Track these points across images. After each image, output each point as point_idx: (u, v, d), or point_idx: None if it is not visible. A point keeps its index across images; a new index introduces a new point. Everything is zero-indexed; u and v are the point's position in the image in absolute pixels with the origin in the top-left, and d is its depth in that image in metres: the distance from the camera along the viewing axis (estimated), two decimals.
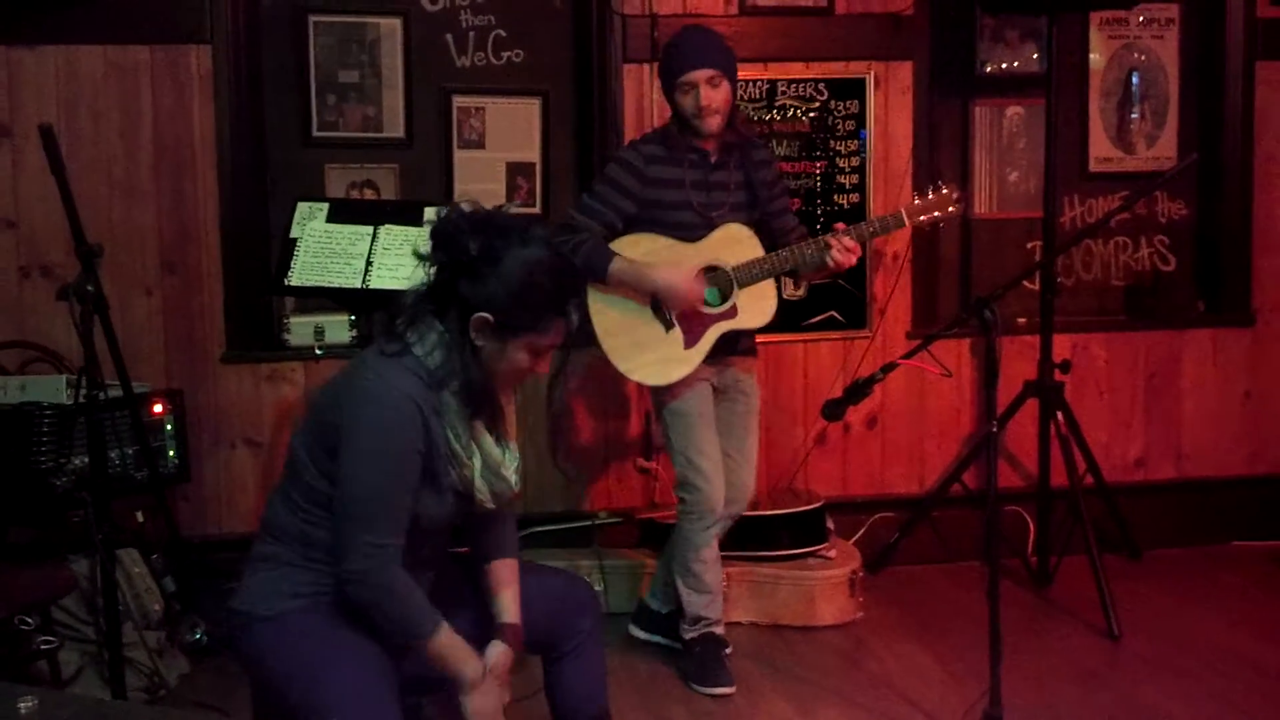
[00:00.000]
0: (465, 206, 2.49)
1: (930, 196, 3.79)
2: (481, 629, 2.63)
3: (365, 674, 2.37)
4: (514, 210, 2.54)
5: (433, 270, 2.46)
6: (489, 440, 2.53)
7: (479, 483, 2.51)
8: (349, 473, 2.37)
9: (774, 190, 3.93)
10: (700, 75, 3.69)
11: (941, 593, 4.73)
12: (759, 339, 4.08)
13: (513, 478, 2.58)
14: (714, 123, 3.73)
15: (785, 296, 4.82)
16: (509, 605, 2.64)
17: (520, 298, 2.39)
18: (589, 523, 4.71)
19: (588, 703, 2.77)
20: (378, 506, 2.37)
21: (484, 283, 2.39)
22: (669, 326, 3.79)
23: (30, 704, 1.95)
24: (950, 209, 3.80)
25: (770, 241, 3.86)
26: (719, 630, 3.98)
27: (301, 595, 2.46)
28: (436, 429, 2.43)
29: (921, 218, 3.79)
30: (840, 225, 3.75)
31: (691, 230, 3.79)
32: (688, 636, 3.97)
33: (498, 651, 2.57)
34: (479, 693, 2.48)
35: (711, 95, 3.69)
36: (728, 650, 3.98)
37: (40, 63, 4.41)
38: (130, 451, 3.95)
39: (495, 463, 2.53)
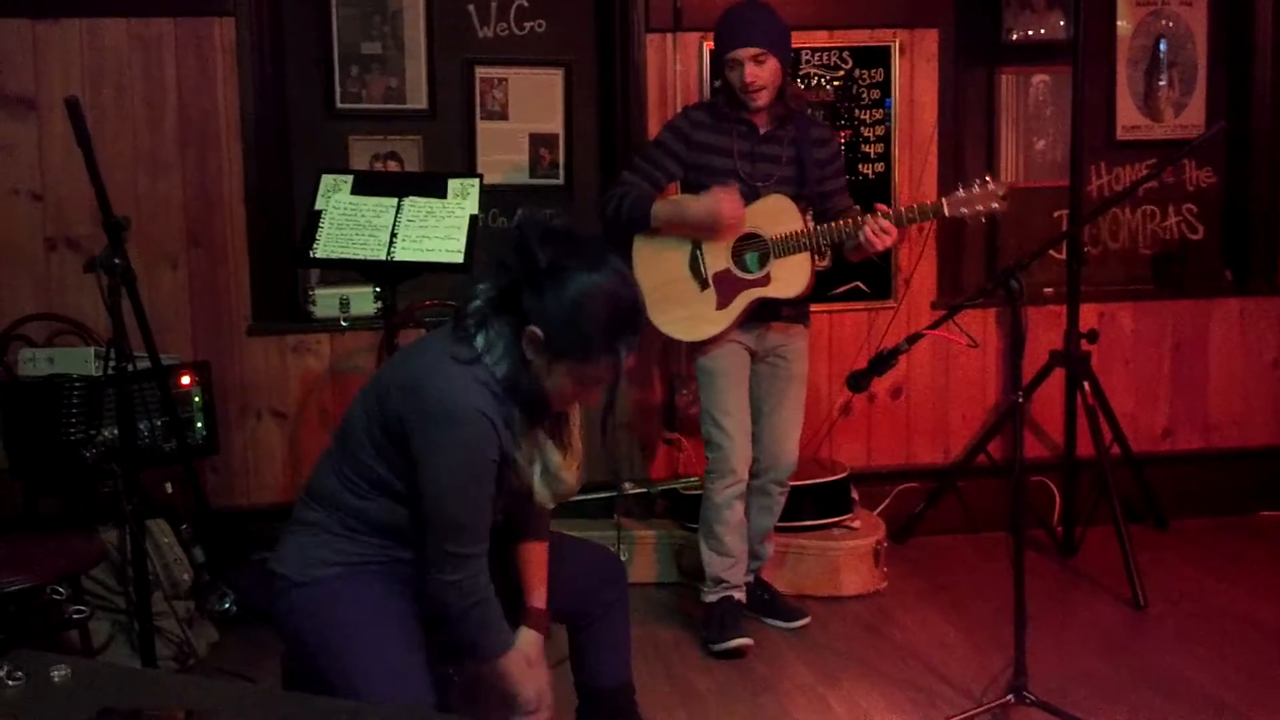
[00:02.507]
0: (549, 220, 2.47)
1: (975, 190, 3.72)
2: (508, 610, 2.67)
3: (397, 644, 2.39)
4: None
5: (503, 275, 2.41)
6: (550, 446, 2.52)
7: (538, 486, 2.50)
8: (433, 490, 2.37)
9: (828, 170, 3.94)
10: (745, 53, 3.73)
11: (967, 563, 4.73)
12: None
13: (571, 478, 2.56)
14: (760, 98, 3.78)
15: None
16: (537, 589, 2.66)
17: (572, 322, 2.33)
18: (613, 494, 4.72)
19: (612, 674, 2.79)
20: (465, 520, 2.39)
21: (543, 297, 2.34)
22: (704, 286, 3.86)
23: (63, 672, 1.97)
24: (995, 205, 3.71)
25: (824, 220, 3.86)
26: (739, 595, 4.01)
27: (339, 563, 2.46)
28: (507, 440, 2.42)
29: (963, 210, 3.73)
30: (881, 206, 3.74)
31: None
32: (708, 599, 4.01)
33: (527, 638, 2.59)
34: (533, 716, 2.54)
35: (756, 73, 3.73)
36: (802, 621, 4.13)
37: (64, 35, 4.42)
38: (159, 423, 3.97)
39: (555, 466, 2.52)
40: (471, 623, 2.44)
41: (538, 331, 2.35)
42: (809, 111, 4.03)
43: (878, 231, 3.68)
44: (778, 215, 3.83)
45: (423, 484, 2.38)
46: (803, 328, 4.04)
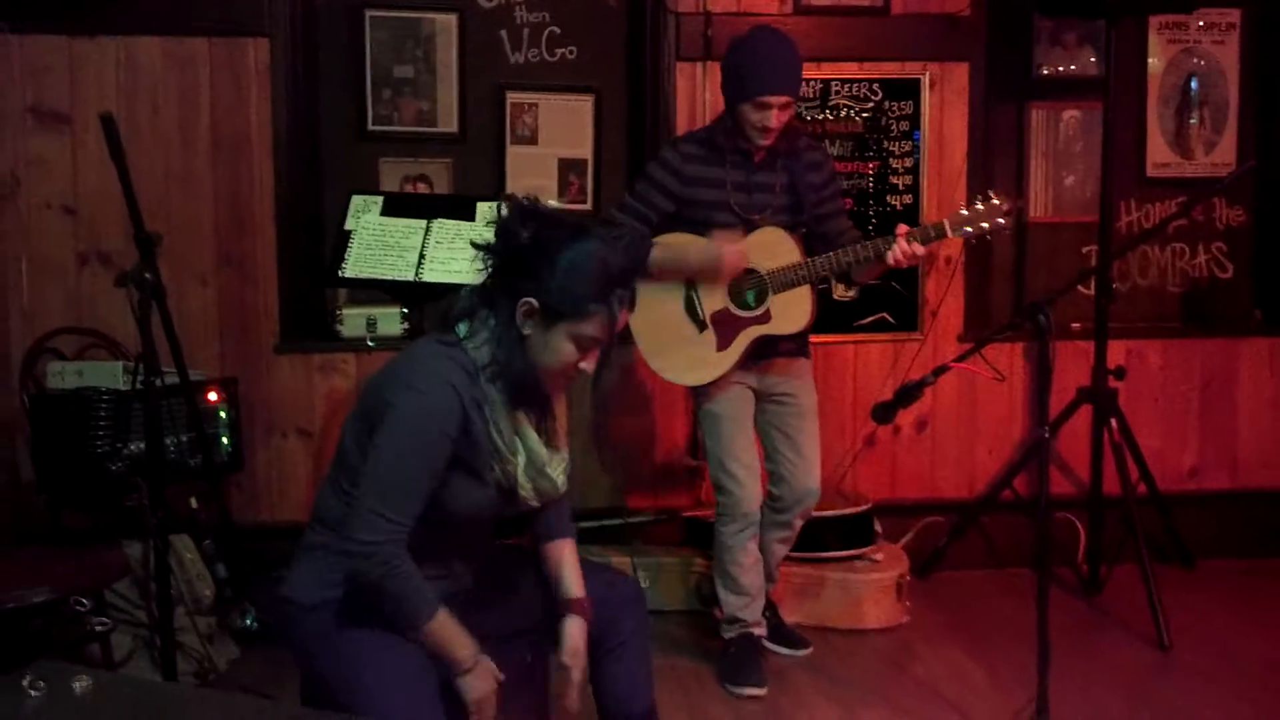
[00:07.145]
0: (523, 200, 2.50)
1: (979, 207, 3.63)
2: (529, 619, 2.65)
3: (408, 663, 2.39)
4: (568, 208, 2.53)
5: (489, 261, 2.48)
6: (534, 437, 2.54)
7: (522, 479, 2.52)
8: (376, 448, 2.39)
9: (824, 192, 3.85)
10: (777, 100, 3.62)
11: (990, 599, 4.69)
12: (812, 339, 4.01)
13: (558, 477, 2.59)
14: (768, 140, 3.69)
15: (836, 298, 4.81)
16: (573, 581, 2.67)
17: (565, 282, 2.39)
18: (633, 520, 4.71)
19: (635, 699, 2.76)
20: (396, 483, 2.37)
21: (532, 270, 2.41)
22: (702, 328, 3.79)
23: (85, 684, 1.97)
24: (1000, 220, 3.61)
25: (823, 244, 3.80)
26: (758, 632, 3.98)
27: (347, 584, 2.46)
28: (477, 420, 2.44)
29: (967, 229, 3.62)
30: (903, 228, 3.62)
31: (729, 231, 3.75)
32: (725, 637, 3.98)
33: (573, 626, 2.60)
34: (475, 675, 2.45)
35: (779, 118, 3.65)
36: (805, 651, 4.13)
37: (101, 53, 4.47)
38: (185, 438, 3.99)
39: (540, 460, 2.54)
40: (385, 590, 2.37)
41: (532, 301, 2.41)
42: (803, 139, 3.88)
43: (909, 254, 3.58)
44: (774, 248, 3.73)
45: (372, 443, 2.39)
46: (805, 360, 3.96)
